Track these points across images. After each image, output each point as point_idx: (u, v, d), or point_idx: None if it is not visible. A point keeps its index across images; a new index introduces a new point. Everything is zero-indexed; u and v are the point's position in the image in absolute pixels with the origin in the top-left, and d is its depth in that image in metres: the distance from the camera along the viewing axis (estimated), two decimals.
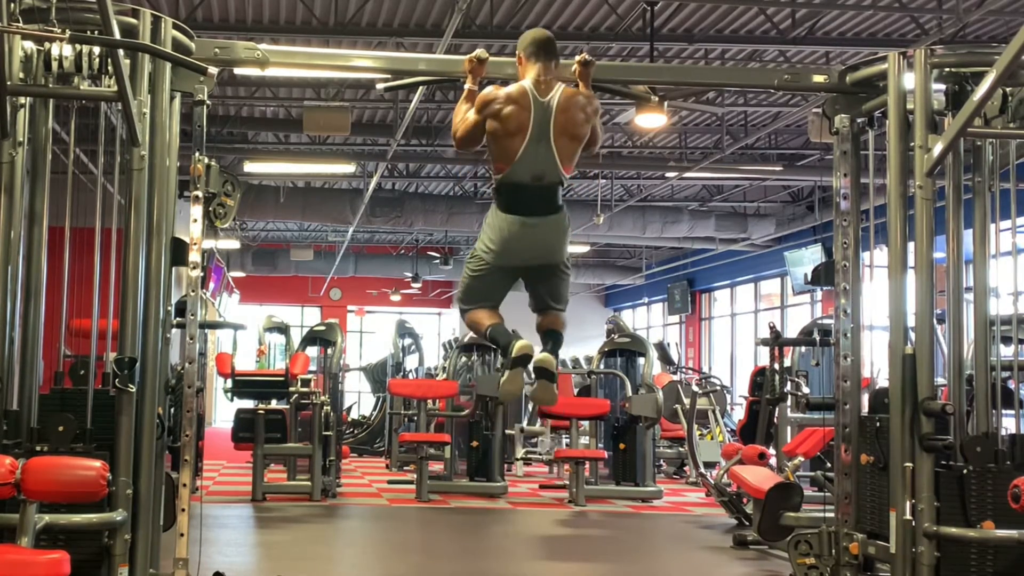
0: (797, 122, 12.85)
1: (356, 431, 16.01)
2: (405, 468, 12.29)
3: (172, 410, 4.43)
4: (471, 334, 11.87)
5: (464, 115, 4.42)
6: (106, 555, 3.93)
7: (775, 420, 7.81)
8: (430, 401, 11.06)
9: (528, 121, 4.22)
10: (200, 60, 4.33)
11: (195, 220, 4.39)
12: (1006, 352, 4.80)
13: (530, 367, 4.51)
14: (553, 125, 4.26)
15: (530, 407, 13.82)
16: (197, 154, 4.40)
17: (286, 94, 12.47)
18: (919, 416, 4.23)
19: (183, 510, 4.26)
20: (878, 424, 4.41)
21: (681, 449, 12.34)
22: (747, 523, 7.81)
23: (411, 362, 16.54)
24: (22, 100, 4.12)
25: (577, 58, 4.60)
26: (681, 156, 14.59)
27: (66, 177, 4.25)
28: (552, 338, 4.51)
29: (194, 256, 4.36)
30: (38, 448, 3.92)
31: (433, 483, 10.04)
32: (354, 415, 18.12)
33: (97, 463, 3.76)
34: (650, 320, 26.04)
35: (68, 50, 3.99)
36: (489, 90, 4.41)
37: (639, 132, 13.43)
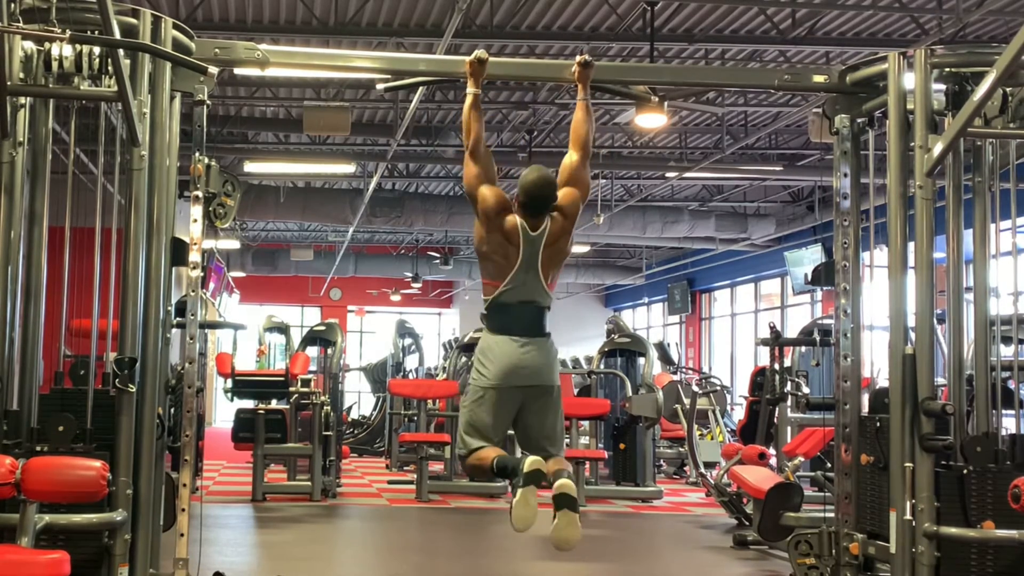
0: (797, 122, 12.84)
1: (356, 431, 16.01)
2: (405, 468, 12.29)
3: (172, 410, 4.43)
4: (471, 333, 11.93)
5: (473, 176, 4.39)
6: (106, 555, 3.93)
7: (775, 420, 7.81)
8: (430, 401, 11.07)
9: (517, 257, 4.34)
10: (200, 60, 4.32)
11: (195, 220, 4.40)
12: (1006, 352, 4.80)
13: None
14: (541, 258, 4.37)
15: None
16: (197, 154, 4.40)
17: (286, 94, 12.46)
18: (919, 416, 4.23)
19: (183, 510, 4.26)
20: (878, 424, 4.41)
21: (681, 449, 12.34)
22: (747, 523, 7.80)
23: (411, 362, 16.55)
24: (22, 100, 4.12)
25: (577, 59, 4.59)
26: (681, 156, 14.58)
27: (66, 177, 4.25)
28: (563, 475, 4.31)
29: (194, 256, 4.36)
30: (38, 448, 3.92)
31: (433, 483, 10.03)
32: (354, 415, 18.11)
33: (97, 463, 3.76)
34: (650, 320, 26.03)
35: (68, 50, 3.99)
36: (493, 200, 4.34)
37: (639, 132, 13.41)
